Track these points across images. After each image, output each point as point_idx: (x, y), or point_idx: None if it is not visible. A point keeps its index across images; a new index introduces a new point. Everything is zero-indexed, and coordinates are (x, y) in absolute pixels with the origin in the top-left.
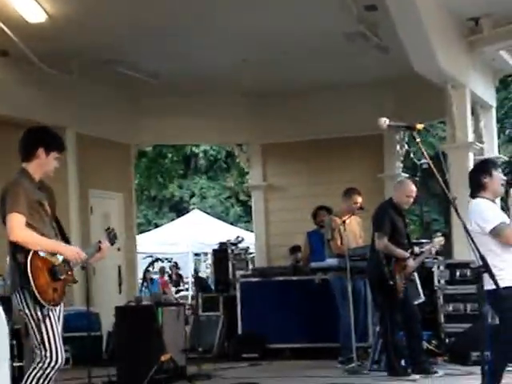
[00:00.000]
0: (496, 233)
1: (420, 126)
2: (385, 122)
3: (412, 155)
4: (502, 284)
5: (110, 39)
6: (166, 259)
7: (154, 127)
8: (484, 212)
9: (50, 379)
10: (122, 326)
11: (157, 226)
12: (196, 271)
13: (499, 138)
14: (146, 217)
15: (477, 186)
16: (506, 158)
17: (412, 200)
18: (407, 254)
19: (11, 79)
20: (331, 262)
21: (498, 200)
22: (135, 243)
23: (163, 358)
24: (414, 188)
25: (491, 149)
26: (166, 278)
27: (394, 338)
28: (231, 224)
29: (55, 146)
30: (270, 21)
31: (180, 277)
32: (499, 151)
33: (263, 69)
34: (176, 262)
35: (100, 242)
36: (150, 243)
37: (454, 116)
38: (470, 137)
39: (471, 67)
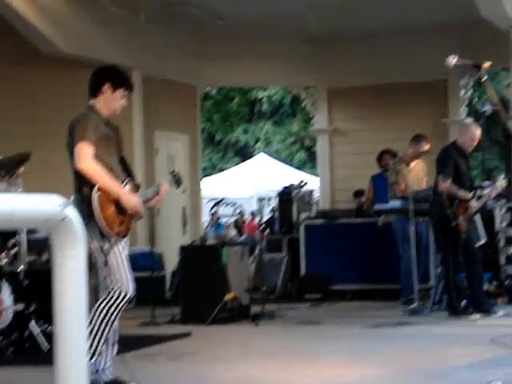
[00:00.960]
0: None
1: (487, 65)
2: (452, 60)
3: (476, 101)
4: None
5: None
6: (234, 204)
7: (219, 69)
8: None
9: (120, 310)
10: (187, 266)
11: (221, 170)
12: (260, 215)
13: None
14: (210, 161)
15: None
16: None
17: (475, 144)
18: (470, 195)
19: (78, 19)
20: (394, 204)
21: None
22: (200, 186)
23: (227, 297)
24: (478, 132)
25: None
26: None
27: (456, 279)
28: (296, 169)
29: (122, 83)
30: None
31: (244, 222)
32: None
33: (329, 12)
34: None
35: (160, 184)
36: (215, 187)
37: None
38: None
39: None
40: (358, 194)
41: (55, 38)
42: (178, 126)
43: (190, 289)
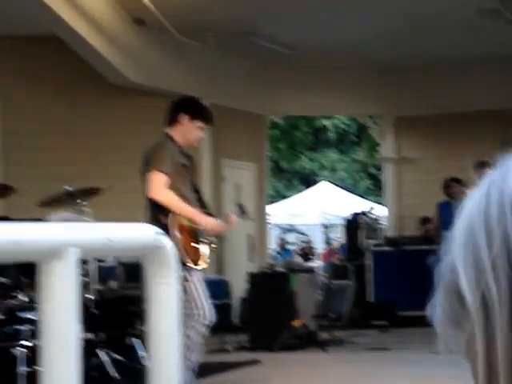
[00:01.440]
0: None
1: None
2: None
3: None
4: None
5: (246, 11)
6: (302, 234)
7: (286, 98)
8: None
9: (203, 337)
10: (255, 292)
11: (286, 197)
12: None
13: None
14: (275, 188)
15: None
16: None
17: None
18: None
19: (147, 48)
20: None
21: None
22: (266, 213)
23: (295, 324)
24: None
25: None
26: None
27: None
28: (361, 196)
29: (199, 114)
30: None
31: (311, 249)
32: None
33: (396, 42)
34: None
35: (228, 215)
36: (280, 214)
37: None
38: None
39: None
40: (425, 221)
41: (124, 68)
42: (245, 154)
43: (259, 315)
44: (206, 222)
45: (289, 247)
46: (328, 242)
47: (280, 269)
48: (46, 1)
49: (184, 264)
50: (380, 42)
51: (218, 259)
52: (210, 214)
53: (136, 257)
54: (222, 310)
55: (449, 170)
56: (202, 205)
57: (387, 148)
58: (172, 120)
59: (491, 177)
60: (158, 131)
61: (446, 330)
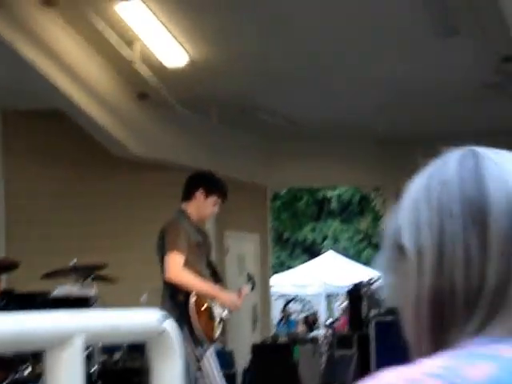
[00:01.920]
0: None
1: None
2: None
3: None
4: None
5: (248, 86)
6: (304, 301)
7: (289, 170)
8: None
9: None
10: (259, 363)
11: (289, 267)
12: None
13: None
14: (278, 258)
15: None
16: None
17: None
18: None
19: (150, 121)
20: None
21: None
22: (269, 284)
23: None
24: None
25: None
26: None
27: None
28: (364, 265)
29: (216, 190)
30: (405, 71)
31: (315, 318)
32: None
33: (398, 115)
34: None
35: (242, 288)
36: (283, 284)
37: None
38: None
39: None
40: None
41: (126, 140)
42: (248, 225)
43: None
44: (225, 297)
45: (293, 317)
46: (331, 311)
47: (283, 340)
48: (51, 76)
49: (199, 342)
50: (380, 115)
51: (223, 329)
52: (223, 287)
53: (141, 341)
54: (226, 380)
55: None
56: (216, 279)
57: (389, 219)
58: (188, 195)
59: (434, 164)
60: (166, 204)
61: (386, 278)
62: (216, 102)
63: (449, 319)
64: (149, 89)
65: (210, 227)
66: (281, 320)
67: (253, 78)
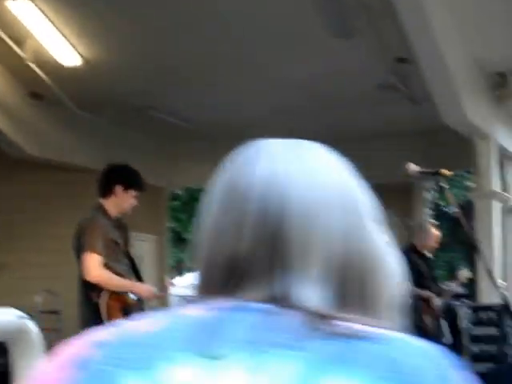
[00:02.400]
0: None
1: (447, 173)
2: (413, 168)
3: (442, 203)
4: None
5: (144, 86)
6: None
7: (186, 170)
8: None
9: None
10: None
11: (189, 268)
12: None
13: None
14: (179, 259)
15: None
16: None
17: (434, 244)
18: (431, 294)
19: (45, 122)
20: None
21: None
22: (167, 285)
23: None
24: (435, 232)
25: None
26: None
27: None
28: None
29: (134, 183)
30: (301, 71)
31: None
32: None
33: (293, 118)
34: None
35: (166, 279)
36: (183, 285)
37: (480, 166)
38: (495, 186)
39: (498, 119)
40: None
41: (21, 141)
42: (145, 226)
43: None
44: (141, 289)
45: None
46: None
47: None
48: None
49: None
50: (277, 117)
51: None
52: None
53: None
54: None
55: None
56: (136, 273)
57: None
58: (105, 191)
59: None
60: (65, 204)
61: None
62: (111, 101)
63: (213, 283)
64: (43, 89)
65: None
66: None
67: (148, 78)
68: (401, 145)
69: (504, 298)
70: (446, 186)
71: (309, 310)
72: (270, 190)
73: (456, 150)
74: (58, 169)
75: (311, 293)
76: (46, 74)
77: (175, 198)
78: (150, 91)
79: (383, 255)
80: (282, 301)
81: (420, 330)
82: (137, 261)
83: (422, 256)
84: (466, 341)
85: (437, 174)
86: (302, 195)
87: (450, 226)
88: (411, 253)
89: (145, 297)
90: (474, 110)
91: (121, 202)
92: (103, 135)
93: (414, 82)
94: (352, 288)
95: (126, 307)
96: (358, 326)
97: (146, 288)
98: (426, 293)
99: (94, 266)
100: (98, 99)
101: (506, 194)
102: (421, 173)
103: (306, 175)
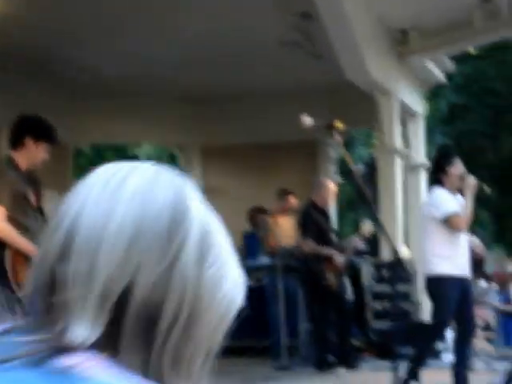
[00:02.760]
0: (448, 220)
1: (340, 126)
2: (306, 121)
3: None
4: (437, 271)
5: (45, 38)
6: None
7: (91, 127)
8: (438, 199)
9: None
10: None
11: None
12: None
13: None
14: None
15: (435, 182)
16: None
17: (332, 200)
18: (333, 251)
19: None
20: (263, 260)
21: None
22: None
23: None
24: (332, 188)
25: (419, 155)
26: None
27: (324, 334)
28: None
29: (44, 136)
30: (208, 26)
31: None
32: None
33: (201, 73)
34: None
35: None
36: None
37: (383, 123)
38: (398, 143)
39: (400, 76)
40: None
41: None
42: (48, 183)
43: None
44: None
45: None
46: None
47: None
48: None
49: (18, 300)
50: (186, 71)
51: None
52: None
53: None
54: None
55: (255, 198)
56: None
57: (194, 177)
58: (16, 143)
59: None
60: None
61: None
62: (13, 55)
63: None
64: None
65: None
66: None
67: (50, 31)
68: (305, 102)
69: (397, 254)
70: (341, 140)
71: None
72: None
73: (360, 106)
74: None
75: (81, 322)
76: None
77: (81, 154)
78: (50, 44)
79: (211, 295)
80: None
81: (323, 287)
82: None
83: (323, 212)
84: (368, 298)
85: (330, 126)
86: (91, 226)
87: (356, 183)
88: (311, 209)
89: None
90: (376, 66)
91: (31, 154)
92: (9, 91)
93: (317, 38)
94: (132, 327)
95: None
96: (84, 365)
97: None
98: (327, 250)
99: None
100: (4, 54)
101: (408, 150)
102: (314, 126)
103: (103, 207)
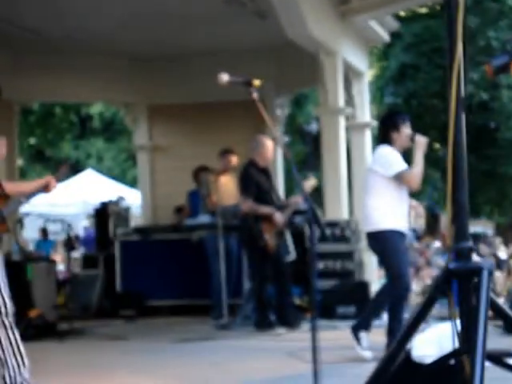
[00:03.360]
0: (400, 176)
1: (257, 83)
2: (224, 77)
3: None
4: (383, 227)
5: None
6: (62, 221)
7: (36, 84)
8: (389, 156)
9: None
10: None
11: None
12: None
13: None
14: (42, 177)
15: (384, 140)
16: (376, 123)
17: (271, 157)
18: (272, 210)
19: None
20: (204, 219)
21: None
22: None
23: (32, 314)
24: (270, 145)
25: (363, 114)
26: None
27: (263, 294)
28: (130, 186)
29: None
30: None
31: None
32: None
33: (145, 32)
34: (69, 224)
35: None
36: (43, 204)
37: (326, 82)
38: (341, 102)
39: (343, 35)
40: (179, 209)
41: None
42: None
43: None
44: None
45: (52, 237)
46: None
47: (16, 258)
48: None
49: None
50: (130, 29)
51: None
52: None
53: None
54: None
55: (202, 158)
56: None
57: (141, 136)
58: None
59: None
60: None
61: None
62: None
63: None
64: None
65: None
66: (40, 239)
67: None
68: (250, 61)
69: (312, 209)
70: (256, 96)
71: None
72: None
73: (305, 66)
74: None
75: None
76: None
77: (29, 113)
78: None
79: None
80: None
81: (261, 248)
82: None
83: (264, 171)
84: (310, 257)
85: (247, 83)
86: None
87: (310, 144)
88: (251, 168)
89: None
90: (317, 25)
91: None
92: None
93: None
94: None
95: None
96: None
97: None
98: (266, 209)
99: None
100: None
101: (351, 109)
102: (231, 83)
103: None
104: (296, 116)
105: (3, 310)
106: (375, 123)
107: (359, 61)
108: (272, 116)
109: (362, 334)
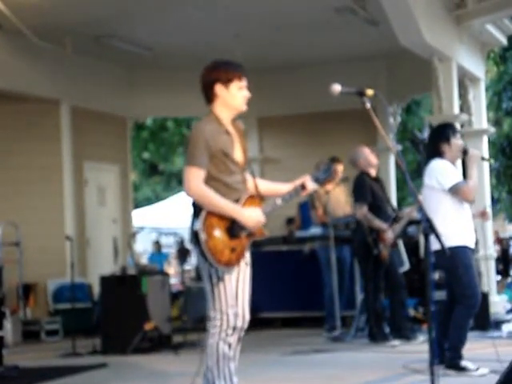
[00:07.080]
0: (456, 189)
1: (370, 92)
2: (335, 88)
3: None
4: (449, 243)
5: (102, 14)
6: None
7: (148, 99)
8: (444, 170)
9: (229, 344)
10: (107, 296)
11: (164, 199)
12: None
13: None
14: (155, 191)
15: (435, 153)
16: (493, 130)
17: (375, 167)
18: (384, 226)
19: (4, 52)
20: (314, 231)
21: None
22: (131, 216)
23: (147, 327)
24: (369, 154)
25: (480, 120)
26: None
27: (376, 305)
28: None
29: (232, 75)
30: None
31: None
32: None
33: (256, 44)
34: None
35: (332, 164)
36: (155, 217)
37: (441, 88)
38: (456, 109)
39: (458, 40)
40: (289, 221)
41: None
42: (108, 156)
43: (111, 319)
44: (245, 217)
45: (165, 250)
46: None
47: (132, 272)
48: None
49: (212, 265)
50: (240, 41)
51: (82, 262)
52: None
53: None
54: (81, 313)
55: (311, 169)
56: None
57: (251, 148)
58: (207, 97)
59: None
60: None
61: None
62: (70, 31)
63: None
64: (2, 18)
65: (67, 158)
66: (154, 252)
67: (107, 5)
68: (361, 69)
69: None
70: (369, 105)
71: None
72: None
73: (418, 72)
74: (18, 99)
75: None
76: (4, 2)
77: (143, 127)
78: (108, 19)
79: None
80: None
81: (374, 257)
82: (99, 191)
83: (376, 180)
84: (426, 268)
85: (360, 93)
86: None
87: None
88: (364, 176)
89: (249, 226)
90: (432, 31)
91: (228, 100)
92: (63, 65)
93: (371, 4)
94: None
95: (231, 225)
96: None
97: (251, 216)
98: (379, 223)
99: (193, 181)
100: (56, 29)
101: (466, 115)
102: (345, 93)
103: None
104: (407, 123)
105: (219, 323)
106: (493, 130)
107: (475, 66)
108: (384, 125)
109: (463, 363)
